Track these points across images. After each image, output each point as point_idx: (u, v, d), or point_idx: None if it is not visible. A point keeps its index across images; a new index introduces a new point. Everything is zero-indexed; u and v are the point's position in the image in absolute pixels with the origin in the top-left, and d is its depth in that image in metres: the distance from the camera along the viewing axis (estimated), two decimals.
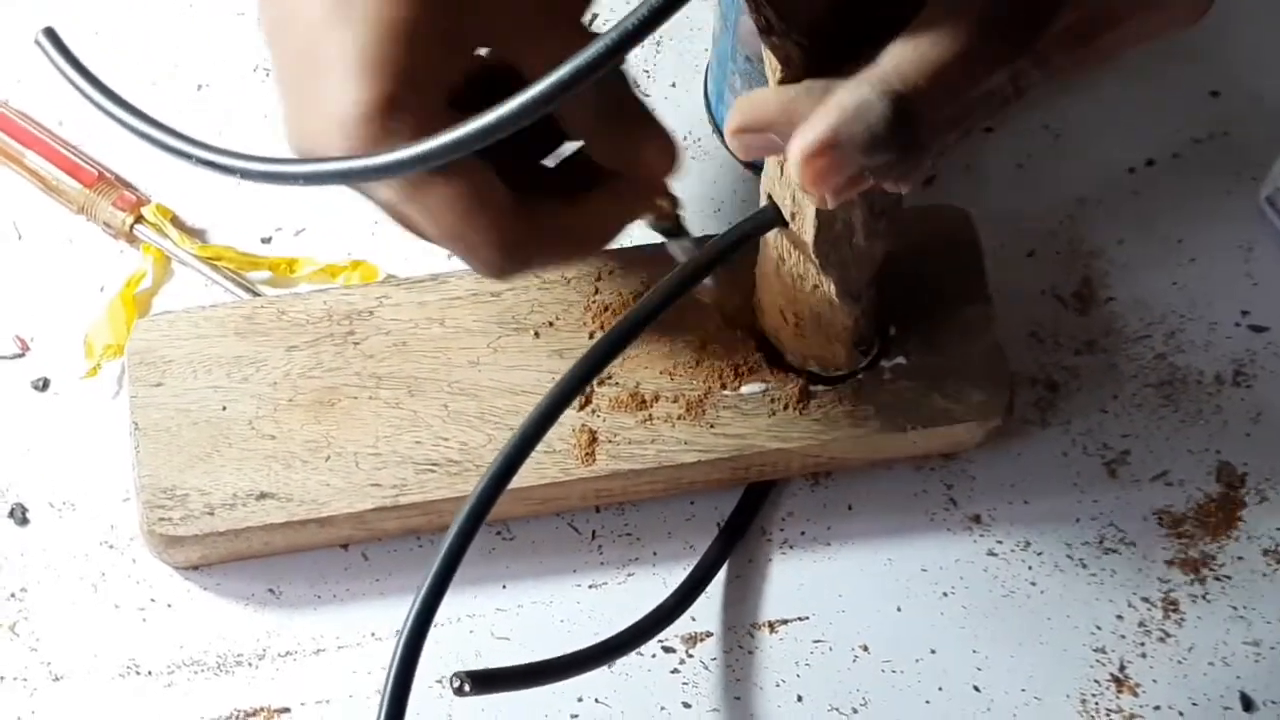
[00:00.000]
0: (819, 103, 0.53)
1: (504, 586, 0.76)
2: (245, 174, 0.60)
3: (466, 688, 0.65)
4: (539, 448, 0.65)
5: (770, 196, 0.65)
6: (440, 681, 0.74)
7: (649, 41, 0.85)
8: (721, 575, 0.77)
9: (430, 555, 0.64)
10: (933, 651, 0.76)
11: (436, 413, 0.74)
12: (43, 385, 0.79)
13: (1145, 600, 0.77)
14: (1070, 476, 0.79)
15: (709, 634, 0.76)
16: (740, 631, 0.76)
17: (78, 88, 0.64)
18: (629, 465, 0.73)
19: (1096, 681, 0.76)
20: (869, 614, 0.76)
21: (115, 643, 0.75)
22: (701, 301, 0.74)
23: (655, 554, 0.77)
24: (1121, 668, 0.76)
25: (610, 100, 0.62)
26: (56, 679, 0.74)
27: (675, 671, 0.75)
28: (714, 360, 0.75)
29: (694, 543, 0.77)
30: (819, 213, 0.63)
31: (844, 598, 0.77)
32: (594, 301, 0.76)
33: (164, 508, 0.72)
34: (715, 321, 0.75)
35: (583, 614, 0.76)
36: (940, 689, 0.75)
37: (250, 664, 0.75)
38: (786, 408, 0.74)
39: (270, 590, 0.76)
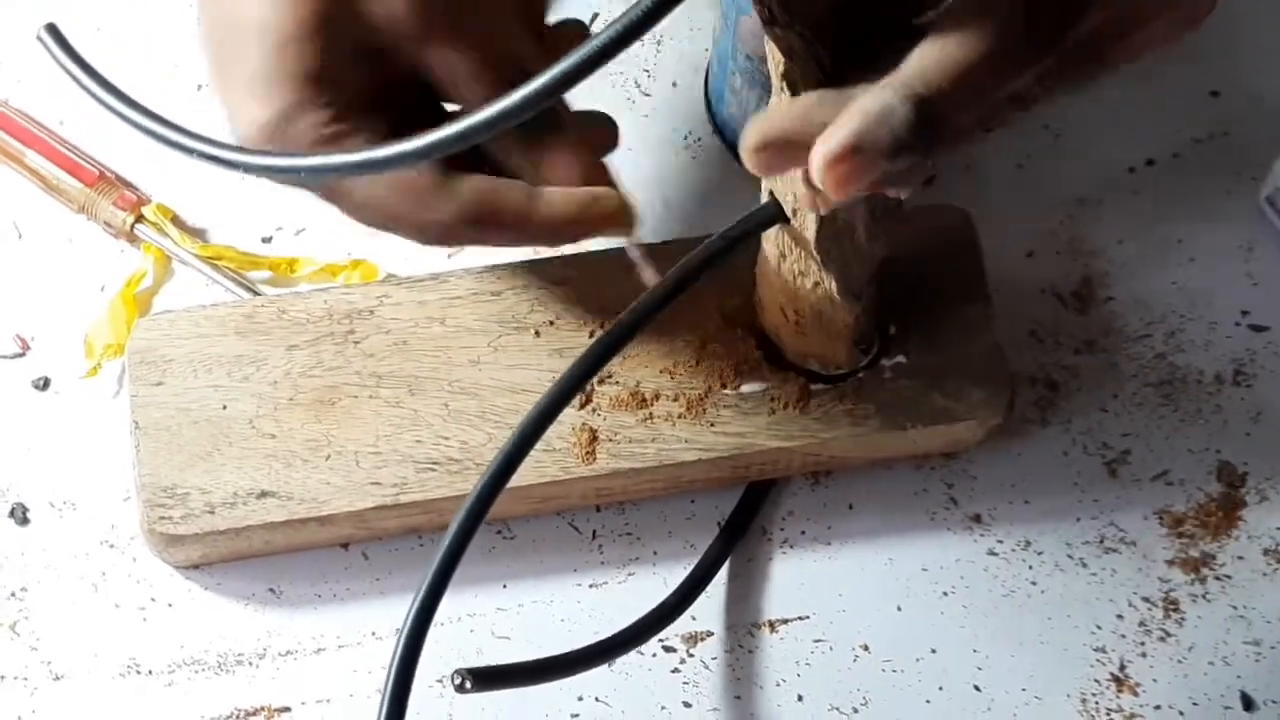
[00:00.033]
0: (836, 110, 0.53)
1: (504, 586, 0.76)
2: (248, 168, 0.60)
3: (468, 685, 0.65)
4: (539, 446, 0.65)
5: (771, 193, 0.65)
6: (441, 681, 0.74)
7: (650, 41, 0.86)
8: (722, 574, 0.77)
9: (431, 554, 0.64)
10: (933, 651, 0.76)
11: (437, 411, 0.74)
12: (43, 384, 0.79)
13: (1145, 600, 0.77)
14: (1070, 476, 0.79)
15: (709, 633, 0.76)
16: (741, 631, 0.76)
17: (79, 82, 0.64)
18: (629, 464, 0.73)
19: (1097, 681, 0.76)
20: (869, 613, 0.76)
21: (116, 642, 0.75)
22: (700, 301, 0.74)
23: (656, 553, 0.77)
24: (1122, 667, 0.76)
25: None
26: (57, 678, 0.74)
27: (676, 671, 0.75)
28: (714, 359, 0.75)
29: (694, 542, 0.77)
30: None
31: (844, 597, 0.77)
32: (595, 300, 0.76)
33: (164, 506, 0.72)
34: (715, 320, 0.75)
35: (583, 613, 0.76)
36: (941, 688, 0.75)
37: (251, 663, 0.75)
38: (787, 406, 0.74)
39: (271, 589, 0.76)
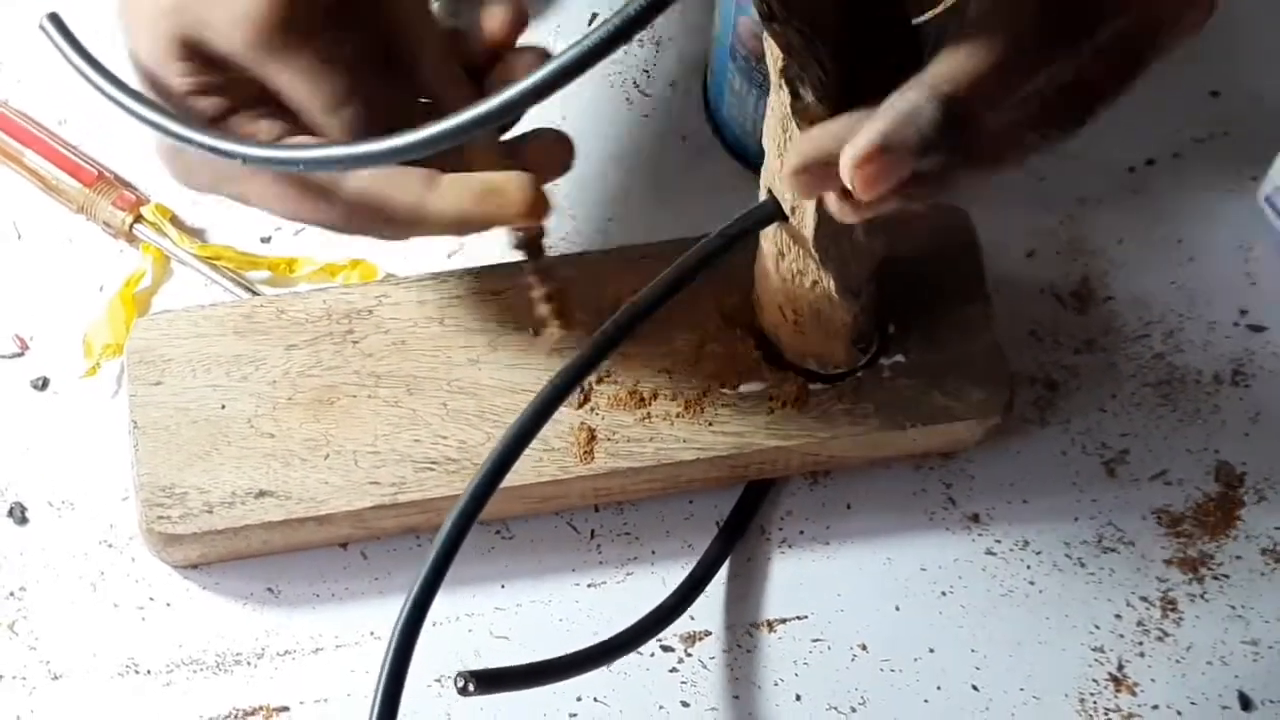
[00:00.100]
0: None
1: (503, 585, 0.76)
2: (248, 159, 0.60)
3: (471, 687, 0.65)
4: (538, 446, 0.65)
5: (770, 191, 0.65)
6: (439, 680, 0.74)
7: (649, 42, 0.86)
8: (720, 574, 0.77)
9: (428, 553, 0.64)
10: (931, 650, 0.76)
11: (435, 411, 0.74)
12: (42, 384, 0.79)
13: (1144, 599, 0.77)
14: (1069, 475, 0.79)
15: (708, 633, 0.76)
16: (739, 630, 0.76)
17: (80, 71, 0.64)
18: (628, 463, 0.73)
19: (1095, 680, 0.76)
20: (868, 613, 0.76)
21: (114, 641, 0.75)
22: (699, 300, 0.74)
23: (654, 553, 0.77)
24: (1120, 667, 0.76)
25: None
26: (55, 678, 0.74)
27: (674, 670, 0.75)
28: (713, 358, 0.75)
29: (693, 542, 0.77)
30: (819, 208, 0.63)
31: (843, 597, 0.77)
32: (594, 300, 0.76)
33: (163, 506, 0.72)
34: (714, 320, 0.75)
35: (581, 613, 0.76)
36: (939, 688, 0.75)
37: (249, 663, 0.75)
38: (785, 406, 0.74)
39: (269, 589, 0.76)
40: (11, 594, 0.75)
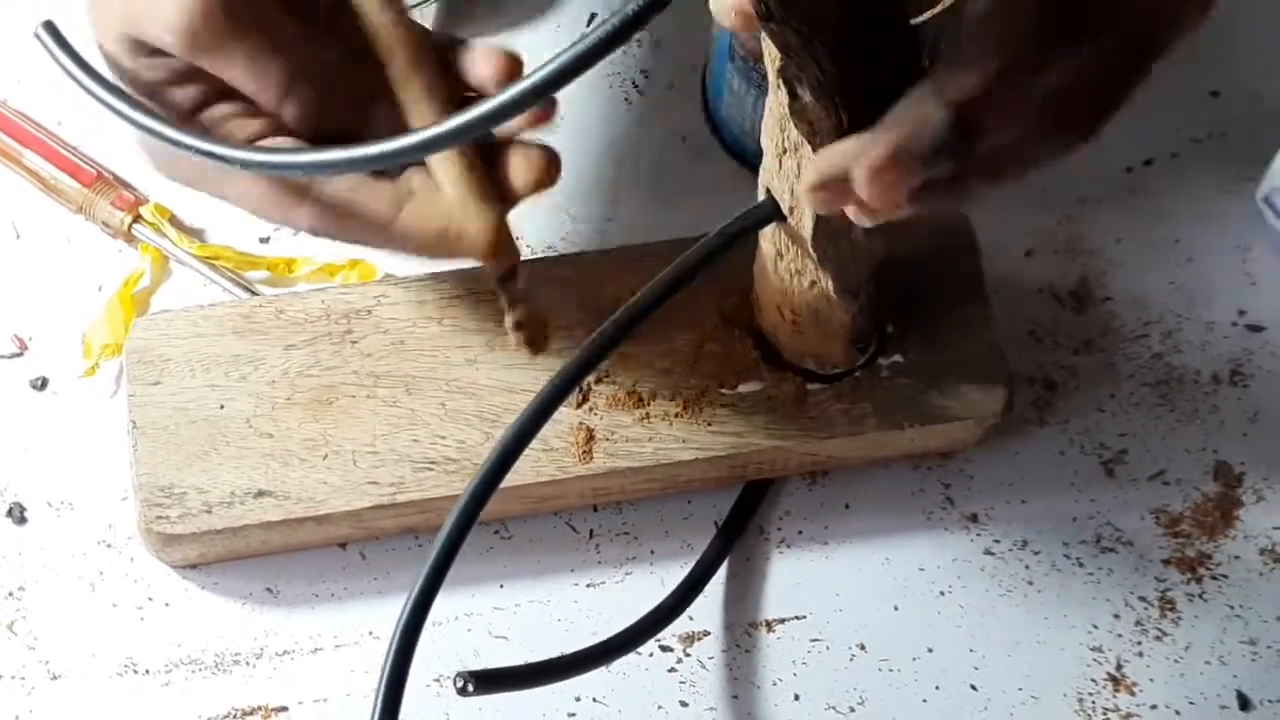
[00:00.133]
0: None
1: (501, 585, 0.76)
2: (245, 164, 0.60)
3: (470, 688, 0.65)
4: (536, 445, 0.65)
5: (768, 191, 0.65)
6: (438, 680, 0.74)
7: (647, 42, 0.86)
8: (719, 574, 0.77)
9: (427, 554, 0.64)
10: (930, 650, 0.76)
11: (434, 411, 0.74)
12: (41, 384, 0.79)
13: (1142, 599, 0.77)
14: (1068, 475, 0.79)
15: (706, 633, 0.76)
16: (738, 630, 0.76)
17: (75, 79, 0.64)
18: (626, 463, 0.73)
19: (1093, 680, 0.76)
20: (866, 613, 0.76)
21: (113, 641, 0.75)
22: (698, 300, 0.74)
23: (653, 553, 0.77)
24: (1118, 666, 0.76)
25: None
26: (54, 678, 0.74)
27: (673, 670, 0.75)
28: (711, 358, 0.75)
29: (692, 541, 0.77)
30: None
31: (841, 596, 0.77)
32: (593, 300, 0.76)
33: (162, 506, 0.72)
34: (713, 320, 0.75)
35: (580, 613, 0.76)
36: (937, 688, 0.75)
37: (248, 663, 0.75)
38: (784, 406, 0.74)
39: (268, 589, 0.76)
40: (10, 594, 0.75)
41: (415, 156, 0.56)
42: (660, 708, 0.75)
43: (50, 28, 0.65)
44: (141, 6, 0.62)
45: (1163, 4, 0.56)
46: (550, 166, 0.65)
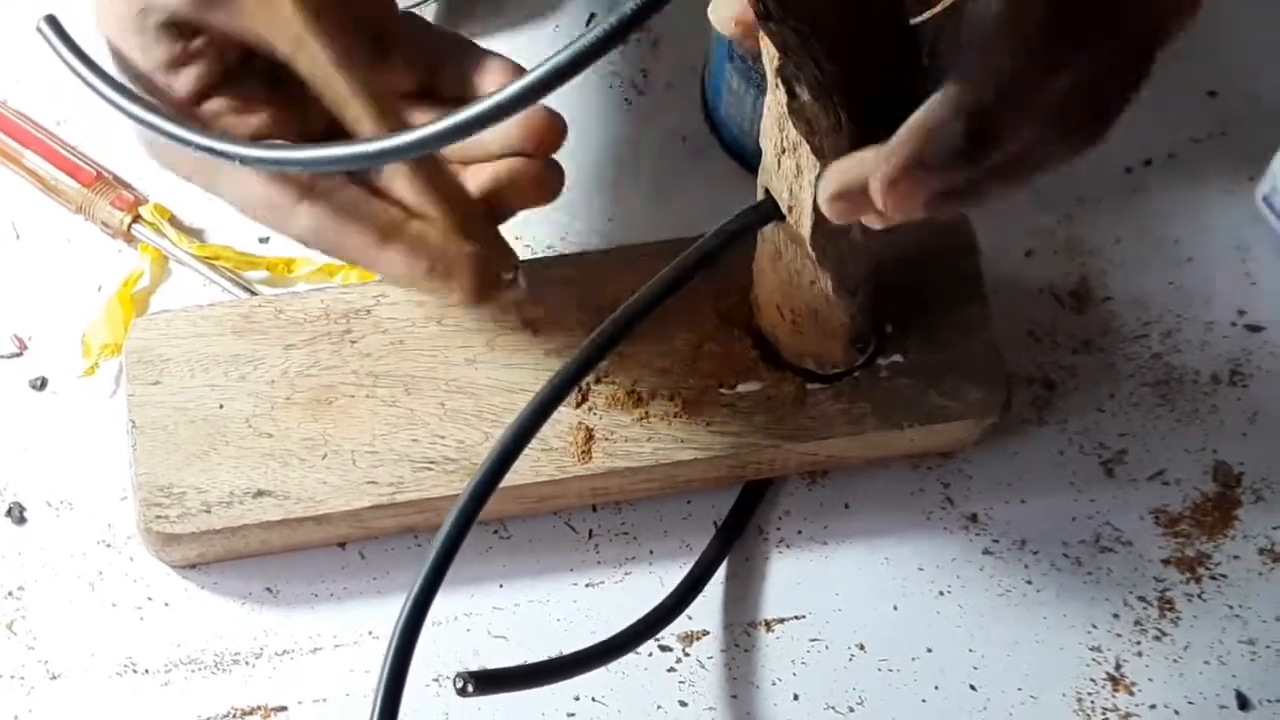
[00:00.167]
0: None
1: (501, 585, 0.76)
2: (244, 160, 0.60)
3: (470, 688, 0.65)
4: (536, 445, 0.66)
5: (767, 190, 0.65)
6: (437, 680, 0.74)
7: (646, 42, 0.86)
8: (718, 574, 0.77)
9: (427, 553, 0.64)
10: (929, 650, 0.76)
11: (433, 411, 0.74)
12: (41, 384, 0.79)
13: (1141, 599, 0.77)
14: (1067, 475, 0.79)
15: (706, 632, 0.76)
16: (737, 630, 0.76)
17: (77, 73, 0.64)
18: (625, 463, 0.73)
19: (1092, 680, 0.76)
20: (866, 612, 0.76)
21: (112, 641, 0.75)
22: (697, 300, 0.74)
23: (652, 553, 0.77)
24: (1117, 666, 0.76)
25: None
26: (54, 677, 0.74)
27: (672, 670, 0.75)
28: (711, 358, 0.75)
29: (691, 542, 0.77)
30: (816, 207, 0.63)
31: (841, 596, 0.77)
32: (593, 299, 0.76)
33: (161, 505, 0.72)
34: (712, 320, 0.76)
35: (580, 613, 0.76)
36: (936, 687, 0.75)
37: (247, 662, 0.75)
38: (783, 406, 0.74)
39: (267, 589, 0.76)
40: (10, 593, 0.75)
41: (414, 155, 0.56)
42: (660, 707, 0.75)
43: (52, 21, 0.65)
44: None
45: (1161, 1, 0.56)
46: (548, 184, 0.67)
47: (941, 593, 0.77)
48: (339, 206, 0.64)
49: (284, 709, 0.74)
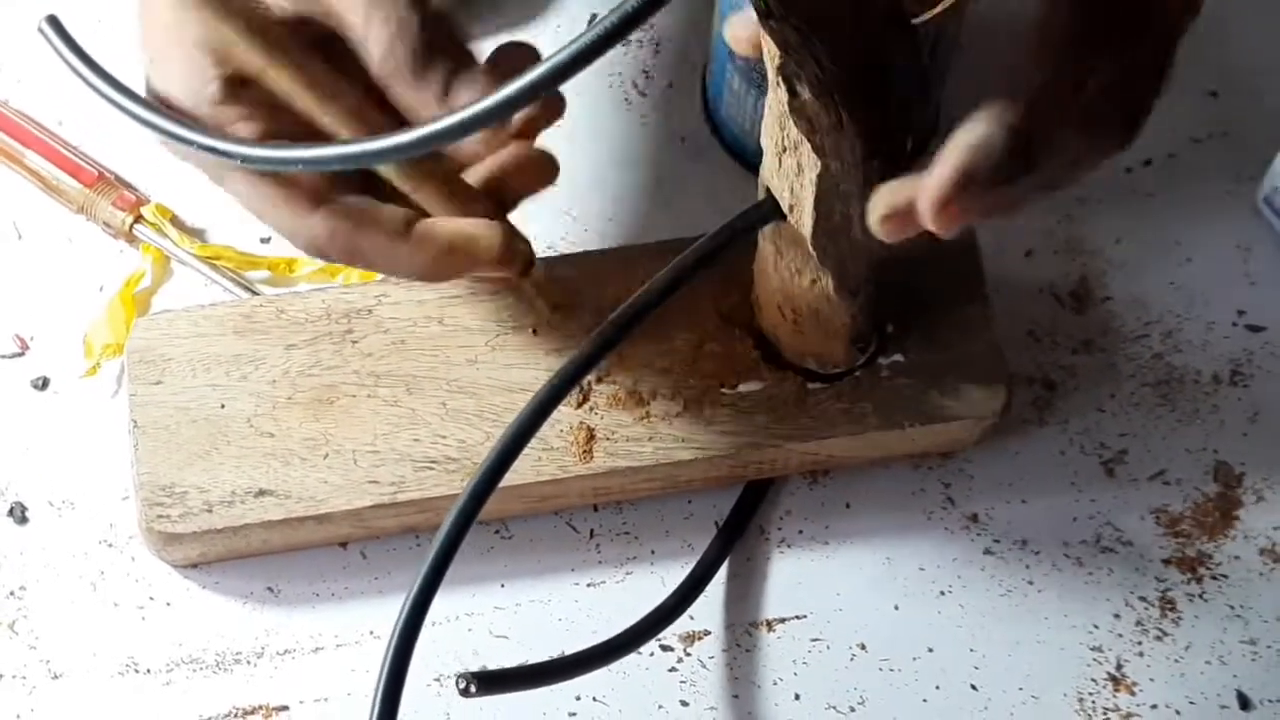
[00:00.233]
0: None
1: (502, 585, 0.76)
2: (246, 159, 0.61)
3: (472, 689, 0.65)
4: (537, 445, 0.66)
5: (768, 190, 0.66)
6: (439, 679, 0.74)
7: (647, 42, 0.86)
8: (719, 574, 0.77)
9: (427, 553, 0.64)
10: (930, 650, 0.76)
11: (435, 410, 0.74)
12: (42, 384, 0.79)
13: (1142, 599, 0.77)
14: (1068, 475, 0.79)
15: (707, 632, 0.76)
16: (738, 630, 0.76)
17: (79, 74, 0.64)
18: (627, 463, 0.73)
19: (1094, 680, 0.76)
20: (867, 612, 0.76)
21: (114, 641, 0.75)
22: (698, 300, 0.74)
23: (653, 553, 0.77)
24: (1119, 666, 0.76)
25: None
26: (55, 677, 0.74)
27: (673, 670, 0.75)
28: (712, 358, 0.75)
29: (692, 541, 0.77)
30: (817, 206, 0.63)
31: (842, 596, 0.77)
32: (594, 299, 0.76)
33: (163, 505, 0.72)
34: (713, 319, 0.76)
35: (581, 613, 0.76)
36: (938, 687, 0.75)
37: (249, 662, 0.75)
38: (784, 405, 0.74)
39: (269, 588, 0.76)
40: (11, 593, 0.75)
41: (416, 152, 0.56)
42: (661, 707, 0.75)
43: (54, 21, 0.65)
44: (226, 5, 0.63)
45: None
46: (547, 167, 0.67)
47: (942, 593, 0.77)
48: (351, 209, 0.64)
49: (285, 708, 0.74)
